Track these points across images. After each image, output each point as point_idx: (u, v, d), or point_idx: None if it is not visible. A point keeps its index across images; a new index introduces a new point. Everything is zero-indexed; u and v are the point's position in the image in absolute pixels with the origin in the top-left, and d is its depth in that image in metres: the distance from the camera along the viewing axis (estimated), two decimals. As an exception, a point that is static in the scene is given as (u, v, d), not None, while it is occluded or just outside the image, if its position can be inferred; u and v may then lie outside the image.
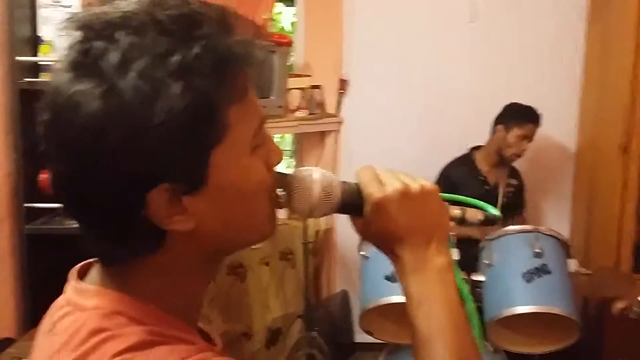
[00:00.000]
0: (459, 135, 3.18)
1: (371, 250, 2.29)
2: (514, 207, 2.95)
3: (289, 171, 0.69)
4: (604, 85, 2.87)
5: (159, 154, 0.53)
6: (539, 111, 2.79)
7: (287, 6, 4.09)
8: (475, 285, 2.27)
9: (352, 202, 0.68)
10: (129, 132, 0.52)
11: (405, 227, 0.66)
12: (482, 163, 2.89)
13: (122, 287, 0.59)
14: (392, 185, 0.66)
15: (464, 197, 0.75)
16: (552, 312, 2.08)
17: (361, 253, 2.32)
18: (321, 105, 3.31)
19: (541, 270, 2.14)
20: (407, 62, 3.29)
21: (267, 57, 2.87)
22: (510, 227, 2.32)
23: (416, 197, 0.66)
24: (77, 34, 0.55)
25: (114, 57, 0.52)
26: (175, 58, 0.53)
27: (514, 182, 2.93)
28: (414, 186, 0.67)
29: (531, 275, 2.14)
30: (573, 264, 2.22)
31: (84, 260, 0.64)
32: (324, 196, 0.67)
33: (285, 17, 4.46)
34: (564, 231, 3.19)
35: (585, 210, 3.03)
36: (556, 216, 3.27)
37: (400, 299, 2.08)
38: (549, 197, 3.32)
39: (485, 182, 2.86)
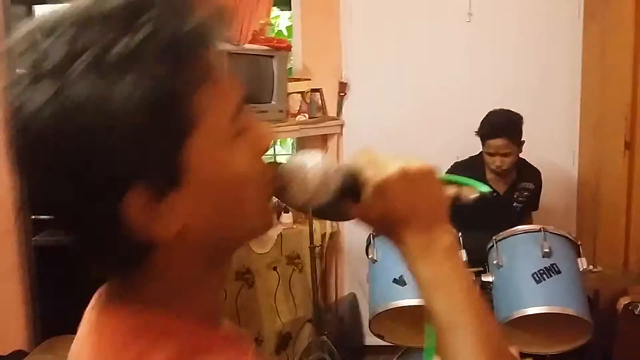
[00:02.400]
0: (462, 135, 3.17)
1: (379, 253, 2.29)
2: (529, 210, 2.86)
3: (282, 160, 0.65)
4: (604, 83, 2.86)
5: (124, 155, 0.48)
6: (542, 115, 2.71)
7: (283, 10, 4.10)
8: (484, 287, 2.27)
9: (350, 187, 0.64)
10: (87, 134, 0.47)
11: (408, 209, 0.63)
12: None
13: (130, 304, 0.56)
14: (392, 167, 0.63)
15: (454, 176, 0.73)
16: (564, 312, 2.07)
17: (369, 257, 2.32)
18: (322, 108, 3.32)
19: (551, 270, 2.13)
20: (406, 62, 3.30)
21: (264, 60, 2.88)
22: (518, 227, 2.31)
23: (416, 177, 0.64)
24: (26, 39, 0.51)
25: (57, 55, 0.48)
26: (120, 47, 0.47)
27: (528, 185, 2.80)
28: (413, 166, 0.64)
29: (541, 275, 2.13)
30: (583, 263, 2.20)
31: (92, 271, 0.61)
32: (320, 184, 0.62)
33: (281, 21, 4.47)
34: (571, 230, 3.18)
35: (592, 209, 3.01)
36: (563, 216, 3.25)
37: (409, 302, 2.12)
38: (554, 196, 3.30)
39: (492, 189, 2.74)
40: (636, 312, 1.08)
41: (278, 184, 0.62)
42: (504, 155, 2.64)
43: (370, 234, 2.33)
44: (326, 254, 3.27)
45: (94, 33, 0.48)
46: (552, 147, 3.20)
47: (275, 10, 3.92)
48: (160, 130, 0.49)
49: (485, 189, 0.72)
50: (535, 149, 2.83)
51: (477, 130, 2.72)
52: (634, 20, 2.59)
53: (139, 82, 0.48)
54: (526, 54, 3.20)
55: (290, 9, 3.44)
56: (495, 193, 2.75)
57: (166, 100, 0.49)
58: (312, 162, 0.63)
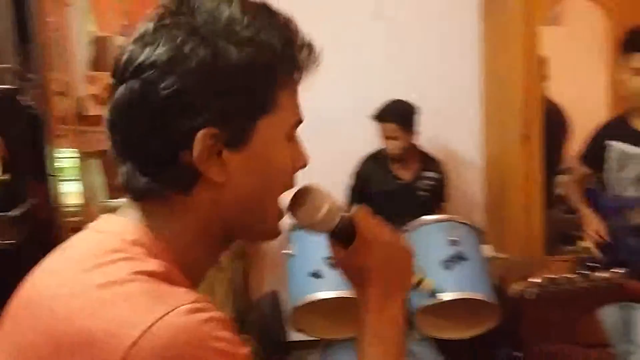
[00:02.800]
0: (372, 131, 3.27)
1: (295, 247, 2.32)
2: (436, 200, 2.99)
3: (306, 183, 0.74)
4: (501, 78, 3.04)
5: (221, 95, 0.61)
6: (447, 111, 2.86)
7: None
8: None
9: (345, 232, 0.74)
10: (204, 66, 0.60)
11: (380, 270, 0.74)
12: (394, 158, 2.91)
13: (147, 223, 0.63)
14: (384, 232, 0.75)
15: (422, 267, 0.83)
16: (474, 297, 2.18)
17: (286, 251, 2.34)
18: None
19: (458, 257, 2.25)
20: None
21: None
22: (427, 217, 2.41)
23: (400, 252, 0.76)
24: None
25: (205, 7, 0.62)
26: (255, 25, 0.63)
27: (432, 174, 2.95)
28: (402, 243, 0.76)
29: (449, 262, 2.24)
30: (487, 250, 2.34)
31: (17, 276, 0.65)
32: (327, 218, 0.72)
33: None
34: (481, 219, 3.37)
35: (498, 199, 3.19)
36: (471, 206, 3.42)
37: (327, 294, 2.17)
38: (463, 190, 3.46)
39: (397, 177, 2.89)
40: (526, 297, 1.17)
41: (295, 199, 0.71)
42: (394, 139, 2.82)
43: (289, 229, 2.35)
44: (246, 252, 3.27)
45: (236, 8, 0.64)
46: (460, 140, 3.36)
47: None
48: (254, 95, 0.63)
49: (441, 293, 0.86)
50: (444, 141, 2.98)
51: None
52: (523, 20, 2.78)
53: (258, 53, 0.62)
54: (429, 52, 3.33)
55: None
56: (399, 181, 2.90)
57: (269, 78, 0.64)
58: (330, 196, 0.73)
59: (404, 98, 2.93)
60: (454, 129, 3.31)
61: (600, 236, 2.26)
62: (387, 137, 2.87)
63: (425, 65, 3.33)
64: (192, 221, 0.64)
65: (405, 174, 2.91)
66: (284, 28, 0.65)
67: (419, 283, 0.81)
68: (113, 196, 2.31)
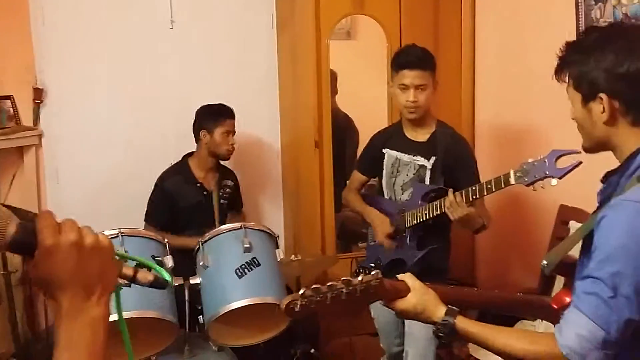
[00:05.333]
0: (173, 142, 3.20)
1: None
2: (234, 207, 3.07)
3: None
4: (296, 88, 3.17)
5: None
6: (247, 119, 2.91)
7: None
8: (193, 288, 2.30)
9: (26, 243, 0.71)
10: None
11: (68, 276, 0.71)
12: (197, 169, 2.90)
13: None
14: (66, 235, 0.71)
15: (142, 258, 0.82)
16: (264, 301, 2.20)
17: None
18: (14, 117, 3.00)
19: (251, 264, 2.26)
20: (110, 67, 3.18)
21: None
22: (221, 227, 2.39)
23: (86, 250, 0.72)
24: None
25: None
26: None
27: (229, 182, 2.97)
28: (88, 240, 0.72)
29: (243, 270, 2.24)
30: (280, 253, 2.39)
31: None
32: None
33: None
34: (280, 225, 3.46)
35: (295, 204, 3.30)
36: (272, 212, 3.50)
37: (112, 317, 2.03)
38: (263, 195, 3.54)
39: (203, 187, 2.88)
40: (296, 310, 1.21)
41: None
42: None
43: None
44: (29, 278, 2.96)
45: None
46: (259, 147, 3.42)
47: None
48: None
49: (165, 275, 0.81)
50: (244, 149, 3.00)
51: (198, 123, 2.87)
52: (314, 32, 2.92)
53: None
54: (228, 61, 3.36)
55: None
56: (205, 192, 2.87)
57: None
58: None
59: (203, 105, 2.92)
60: (255, 136, 3.36)
61: (386, 235, 2.39)
62: (229, 133, 2.83)
63: (224, 75, 3.34)
64: None
65: (209, 184, 2.90)
66: None
67: (133, 276, 0.78)
68: None
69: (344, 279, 1.24)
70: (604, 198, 1.18)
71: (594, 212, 1.19)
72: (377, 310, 2.50)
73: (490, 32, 3.09)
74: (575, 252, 1.22)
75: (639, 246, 1.03)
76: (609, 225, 1.07)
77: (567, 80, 1.23)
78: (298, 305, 1.22)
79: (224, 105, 2.89)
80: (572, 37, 1.29)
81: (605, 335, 1.04)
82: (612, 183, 1.19)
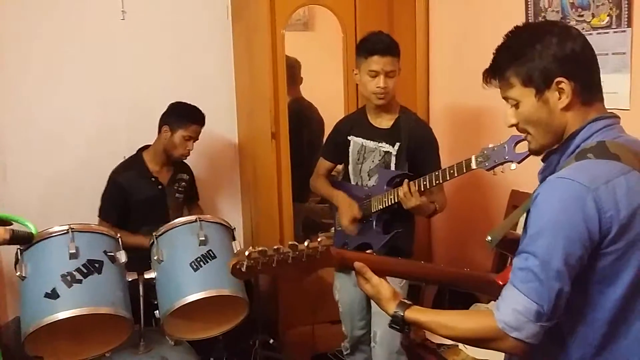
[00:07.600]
0: (125, 136, 3.14)
1: (27, 268, 2.09)
2: (190, 199, 3.05)
3: None
4: (252, 79, 3.14)
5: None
6: (203, 111, 2.84)
7: None
8: (148, 283, 2.27)
9: None
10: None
11: None
12: (152, 163, 2.85)
13: None
14: None
15: (3, 214, 0.76)
16: (220, 294, 2.20)
17: (17, 274, 2.10)
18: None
19: (207, 257, 2.24)
20: (61, 62, 3.10)
21: None
22: (176, 220, 2.37)
23: None
24: None
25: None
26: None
27: (184, 176, 2.98)
28: None
29: (198, 263, 2.22)
30: (236, 245, 2.37)
31: None
32: None
33: None
34: (238, 218, 3.43)
35: (253, 196, 3.28)
36: (230, 204, 3.47)
37: (65, 314, 1.99)
38: (221, 188, 3.51)
39: (157, 181, 2.84)
40: (242, 270, 1.21)
41: None
42: (195, 141, 2.74)
43: (17, 249, 2.11)
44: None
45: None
46: (216, 140, 3.38)
47: None
48: None
49: (32, 227, 0.78)
50: (202, 142, 2.95)
51: (165, 117, 2.81)
52: (269, 22, 2.89)
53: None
54: (182, 52, 3.30)
55: None
56: (160, 186, 2.85)
57: None
58: None
59: (158, 100, 2.88)
60: (212, 128, 3.32)
61: (351, 219, 2.38)
62: (189, 139, 2.78)
63: (178, 67, 3.29)
64: None
65: (164, 178, 2.87)
66: None
67: (12, 231, 0.75)
68: None
69: (291, 243, 1.24)
70: (544, 177, 1.19)
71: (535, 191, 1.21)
72: (342, 292, 2.51)
73: (444, 20, 3.12)
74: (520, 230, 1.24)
75: (570, 219, 1.06)
76: (542, 201, 1.09)
77: (503, 85, 1.22)
78: (245, 266, 1.21)
79: (198, 111, 2.82)
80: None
81: (538, 308, 1.06)
82: (552, 162, 1.21)
